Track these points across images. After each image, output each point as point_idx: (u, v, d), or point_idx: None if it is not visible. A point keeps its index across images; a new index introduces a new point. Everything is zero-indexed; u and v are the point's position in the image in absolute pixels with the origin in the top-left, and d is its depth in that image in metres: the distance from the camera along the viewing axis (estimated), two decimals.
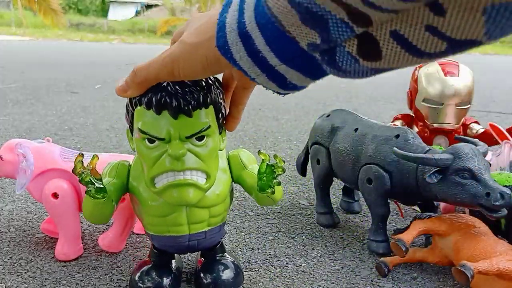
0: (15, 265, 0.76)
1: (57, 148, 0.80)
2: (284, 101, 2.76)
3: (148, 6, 23.89)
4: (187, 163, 0.57)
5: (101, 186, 0.59)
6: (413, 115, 1.13)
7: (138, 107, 0.57)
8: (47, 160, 0.77)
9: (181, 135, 0.56)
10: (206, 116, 0.58)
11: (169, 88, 0.55)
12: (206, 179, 0.59)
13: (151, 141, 0.57)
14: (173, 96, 0.54)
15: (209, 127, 0.58)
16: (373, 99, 2.94)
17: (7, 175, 0.80)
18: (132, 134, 0.61)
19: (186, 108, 0.55)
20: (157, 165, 0.57)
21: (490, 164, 0.71)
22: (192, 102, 0.55)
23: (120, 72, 4.25)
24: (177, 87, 0.55)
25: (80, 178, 0.57)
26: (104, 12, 24.25)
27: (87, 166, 0.57)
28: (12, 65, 4.62)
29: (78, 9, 23.78)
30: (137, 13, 23.74)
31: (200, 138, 0.58)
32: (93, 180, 0.58)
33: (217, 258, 0.70)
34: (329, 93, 3.22)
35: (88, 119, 2.04)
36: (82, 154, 0.59)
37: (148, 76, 0.48)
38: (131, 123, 0.60)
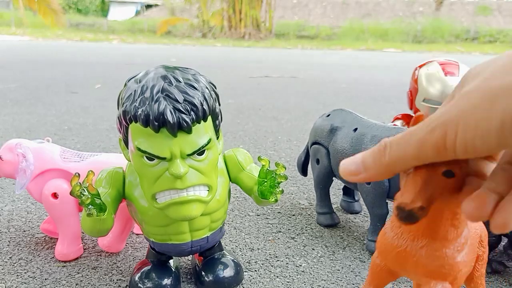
0: (15, 265, 0.76)
1: (57, 148, 0.80)
2: (284, 101, 2.76)
3: (148, 6, 23.90)
4: (189, 180, 0.56)
5: (101, 203, 0.56)
6: (414, 115, 1.13)
7: (133, 123, 0.55)
8: (47, 160, 0.77)
9: (182, 153, 0.54)
10: (205, 131, 0.56)
11: (164, 101, 0.53)
12: (208, 190, 0.58)
13: (150, 158, 0.55)
14: (171, 112, 0.52)
15: (209, 141, 0.57)
16: (373, 99, 2.94)
17: (7, 175, 0.80)
18: (126, 145, 0.59)
19: (185, 124, 0.53)
20: (159, 183, 0.56)
21: None
22: (191, 117, 0.53)
23: (120, 72, 4.25)
24: (172, 98, 0.53)
25: (80, 202, 0.54)
26: (104, 12, 24.26)
27: (83, 182, 0.54)
28: (12, 65, 4.62)
29: (78, 9, 23.79)
30: (137, 13, 23.75)
31: (201, 153, 0.57)
32: (93, 201, 0.55)
33: (217, 256, 0.70)
34: (329, 93, 3.22)
35: (87, 119, 2.04)
36: (78, 174, 0.55)
37: (403, 153, 0.31)
38: (125, 136, 0.58)
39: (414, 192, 0.34)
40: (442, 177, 0.33)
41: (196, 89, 0.55)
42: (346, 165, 0.34)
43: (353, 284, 0.73)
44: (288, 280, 0.73)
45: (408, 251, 0.44)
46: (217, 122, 0.59)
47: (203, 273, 0.68)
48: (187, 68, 0.59)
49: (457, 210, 0.39)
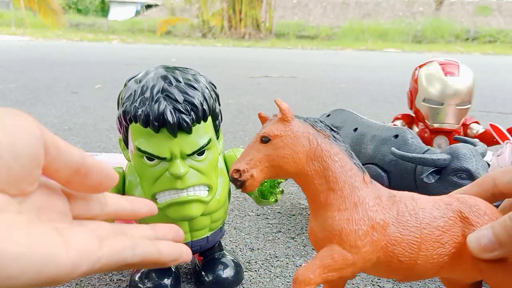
0: None
1: None
2: (284, 101, 2.75)
3: (148, 6, 23.91)
4: (189, 180, 0.56)
5: None
6: (413, 115, 1.14)
7: (134, 124, 0.55)
8: None
9: (182, 153, 0.54)
10: (205, 131, 0.56)
11: (164, 101, 0.53)
12: (208, 191, 0.59)
13: (150, 159, 0.55)
14: (171, 112, 0.52)
15: (209, 141, 0.57)
16: (373, 99, 2.94)
17: None
18: (126, 145, 0.59)
19: (185, 124, 0.53)
20: (159, 183, 0.56)
21: (489, 165, 0.71)
22: (191, 117, 0.53)
23: (120, 72, 4.25)
24: (172, 98, 0.53)
25: None
26: (104, 12, 24.29)
27: None
28: (12, 65, 4.62)
29: (78, 9, 23.82)
30: (137, 13, 23.77)
31: (201, 153, 0.57)
32: None
33: (217, 256, 0.70)
34: (329, 93, 3.22)
35: (88, 119, 2.04)
36: None
37: None
38: (125, 136, 0.58)
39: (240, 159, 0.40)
40: (260, 143, 0.39)
41: (196, 89, 0.55)
42: (477, 240, 0.33)
43: (353, 284, 0.73)
44: (288, 280, 0.73)
45: (313, 230, 0.43)
46: (217, 122, 0.59)
47: (203, 273, 0.68)
48: (187, 68, 0.59)
49: (328, 173, 0.39)
